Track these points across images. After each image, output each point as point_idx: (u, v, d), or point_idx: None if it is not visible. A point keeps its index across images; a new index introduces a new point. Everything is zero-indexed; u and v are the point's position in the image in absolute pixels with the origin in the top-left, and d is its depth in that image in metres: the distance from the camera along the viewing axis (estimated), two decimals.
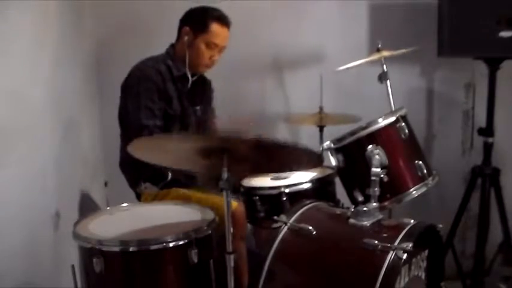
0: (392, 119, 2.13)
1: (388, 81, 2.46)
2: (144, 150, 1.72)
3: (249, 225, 2.42)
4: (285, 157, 1.72)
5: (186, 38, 2.40)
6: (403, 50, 2.46)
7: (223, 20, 2.41)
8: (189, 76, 2.43)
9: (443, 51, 2.68)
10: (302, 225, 1.84)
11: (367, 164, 2.01)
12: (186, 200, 2.21)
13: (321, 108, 2.86)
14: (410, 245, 1.64)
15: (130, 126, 2.34)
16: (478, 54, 2.71)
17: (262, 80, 3.18)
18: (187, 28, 2.41)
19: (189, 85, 2.45)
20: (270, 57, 3.14)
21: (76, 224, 1.86)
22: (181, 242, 1.74)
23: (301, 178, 2.35)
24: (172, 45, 2.49)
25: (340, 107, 2.88)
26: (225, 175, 1.61)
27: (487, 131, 2.75)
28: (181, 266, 1.76)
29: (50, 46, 2.35)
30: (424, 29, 2.85)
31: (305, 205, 1.98)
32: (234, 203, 2.13)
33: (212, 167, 1.67)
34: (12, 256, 1.88)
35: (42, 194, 2.18)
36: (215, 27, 2.39)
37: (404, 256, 1.64)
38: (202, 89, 2.58)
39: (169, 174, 2.32)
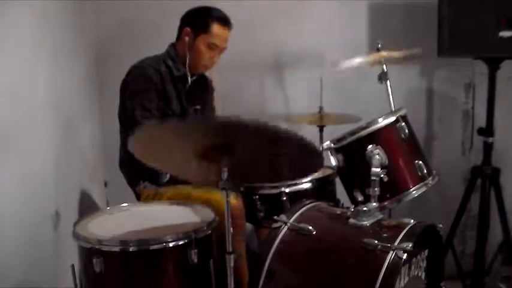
0: (392, 119, 2.13)
1: (388, 81, 2.45)
2: (144, 151, 1.70)
3: (250, 225, 2.42)
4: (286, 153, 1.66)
5: (186, 38, 2.39)
6: (404, 52, 2.45)
7: (224, 21, 2.40)
8: (189, 77, 2.43)
9: (443, 51, 2.68)
10: (302, 225, 1.83)
11: (367, 164, 2.00)
12: (185, 197, 2.21)
13: (321, 108, 2.86)
14: (410, 245, 1.64)
15: (128, 125, 2.34)
16: (478, 54, 2.71)
17: (262, 80, 3.18)
18: (188, 28, 2.41)
19: (188, 85, 2.44)
20: (270, 57, 3.14)
21: (76, 223, 1.86)
22: (181, 242, 1.74)
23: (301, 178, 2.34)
24: (173, 45, 2.48)
25: (340, 107, 2.87)
26: (225, 175, 1.60)
27: (487, 131, 2.75)
28: (181, 266, 1.76)
29: (49, 46, 2.35)
30: (424, 29, 2.85)
31: (305, 205, 1.98)
32: (233, 199, 2.11)
33: (212, 169, 1.65)
34: (12, 256, 1.88)
35: (42, 194, 2.18)
36: (216, 28, 2.38)
37: (404, 256, 1.64)
38: (202, 89, 2.57)
39: (168, 174, 2.32)
